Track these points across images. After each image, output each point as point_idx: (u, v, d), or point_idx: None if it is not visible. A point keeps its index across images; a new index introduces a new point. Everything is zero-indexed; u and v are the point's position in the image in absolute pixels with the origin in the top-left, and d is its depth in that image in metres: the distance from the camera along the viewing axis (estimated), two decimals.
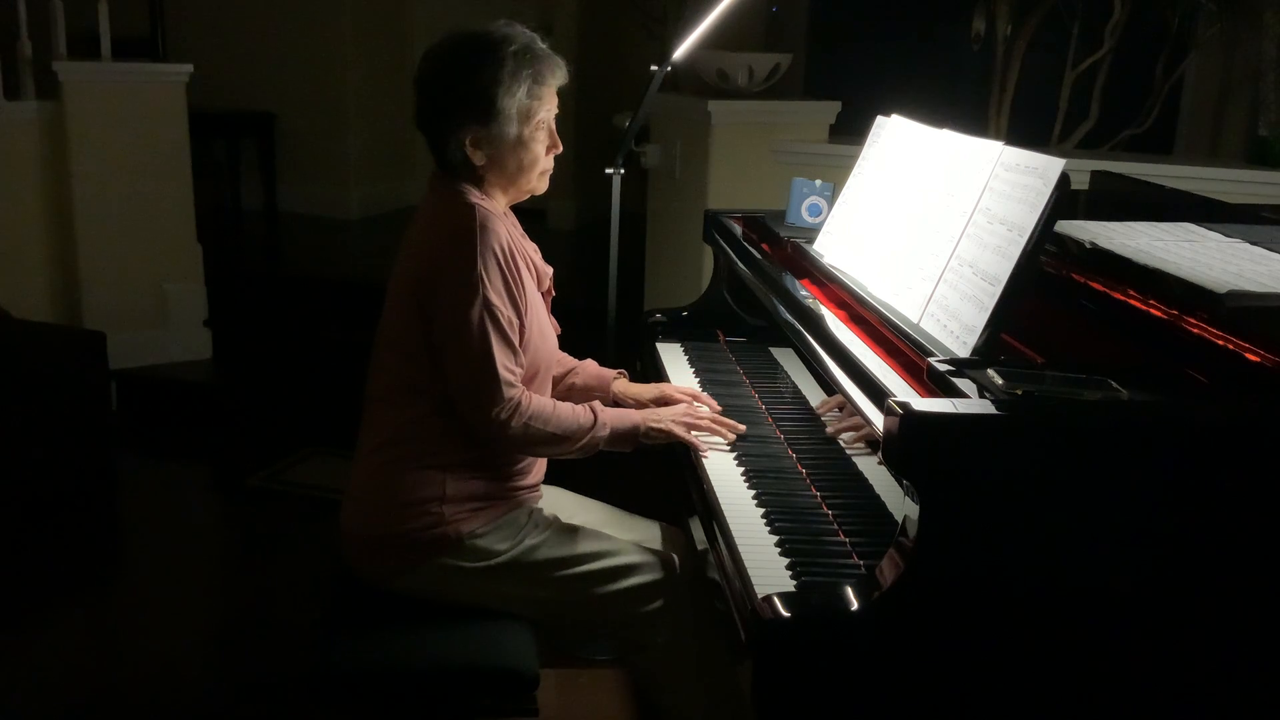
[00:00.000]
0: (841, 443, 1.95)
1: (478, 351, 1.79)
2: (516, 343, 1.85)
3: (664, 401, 2.13)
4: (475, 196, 1.88)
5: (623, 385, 2.21)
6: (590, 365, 2.24)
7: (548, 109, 1.90)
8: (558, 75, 1.90)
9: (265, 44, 6.32)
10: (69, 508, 3.63)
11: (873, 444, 1.87)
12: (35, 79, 4.32)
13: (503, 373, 1.81)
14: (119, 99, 4.43)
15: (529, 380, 1.91)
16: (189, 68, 4.57)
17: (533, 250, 1.99)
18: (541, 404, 1.86)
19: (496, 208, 1.91)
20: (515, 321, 1.84)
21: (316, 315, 4.90)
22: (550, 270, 2.03)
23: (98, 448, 3.83)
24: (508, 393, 1.81)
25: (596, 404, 1.95)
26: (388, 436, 1.92)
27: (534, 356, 1.92)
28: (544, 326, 1.97)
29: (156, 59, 5.20)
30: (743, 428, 2.00)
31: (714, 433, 1.97)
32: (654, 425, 1.95)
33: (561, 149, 1.96)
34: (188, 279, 4.73)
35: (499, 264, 1.82)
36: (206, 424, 4.44)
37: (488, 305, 1.79)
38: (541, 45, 1.89)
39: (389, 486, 1.90)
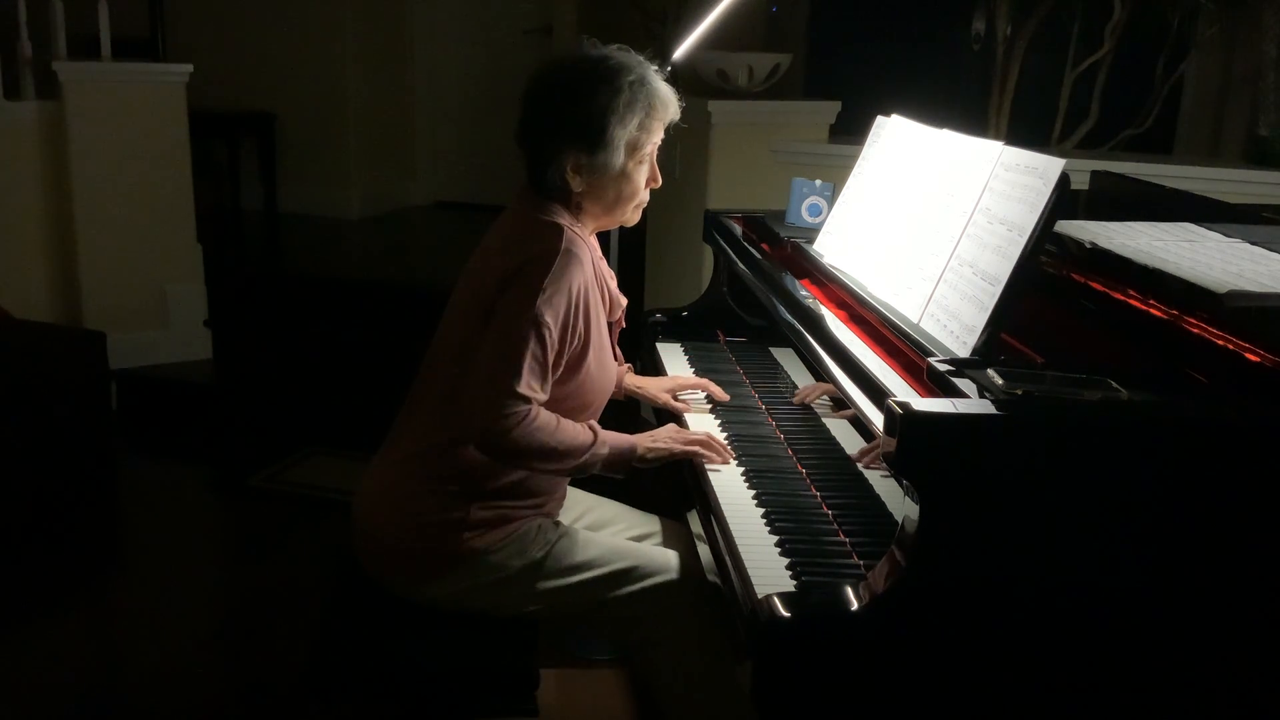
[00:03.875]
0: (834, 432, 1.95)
1: (511, 354, 1.74)
2: (549, 368, 1.79)
3: (674, 390, 2.17)
4: (565, 219, 1.84)
5: (633, 378, 2.21)
6: None
7: (654, 143, 1.88)
8: (670, 110, 1.87)
9: (265, 44, 6.32)
10: (69, 508, 3.63)
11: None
12: (35, 79, 4.32)
13: (524, 388, 1.75)
14: (119, 99, 4.42)
15: (578, 413, 1.87)
16: (189, 68, 4.57)
17: (609, 276, 1.96)
18: (546, 417, 1.81)
19: (584, 232, 1.88)
20: (556, 348, 1.78)
21: (316, 315, 4.90)
22: (625, 301, 1.99)
23: (98, 448, 3.83)
24: (520, 405, 1.75)
25: (594, 424, 1.90)
26: (424, 449, 1.87)
27: (589, 388, 1.88)
28: (604, 359, 1.92)
29: (156, 59, 5.20)
30: (733, 458, 1.92)
31: (711, 449, 1.91)
32: (650, 447, 1.91)
33: (661, 183, 1.93)
34: (188, 279, 4.73)
35: (569, 294, 1.77)
36: (206, 424, 4.44)
37: (538, 320, 1.74)
38: (655, 77, 1.86)
39: (412, 502, 1.87)
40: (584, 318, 1.82)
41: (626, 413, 2.28)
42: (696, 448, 1.91)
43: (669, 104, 1.87)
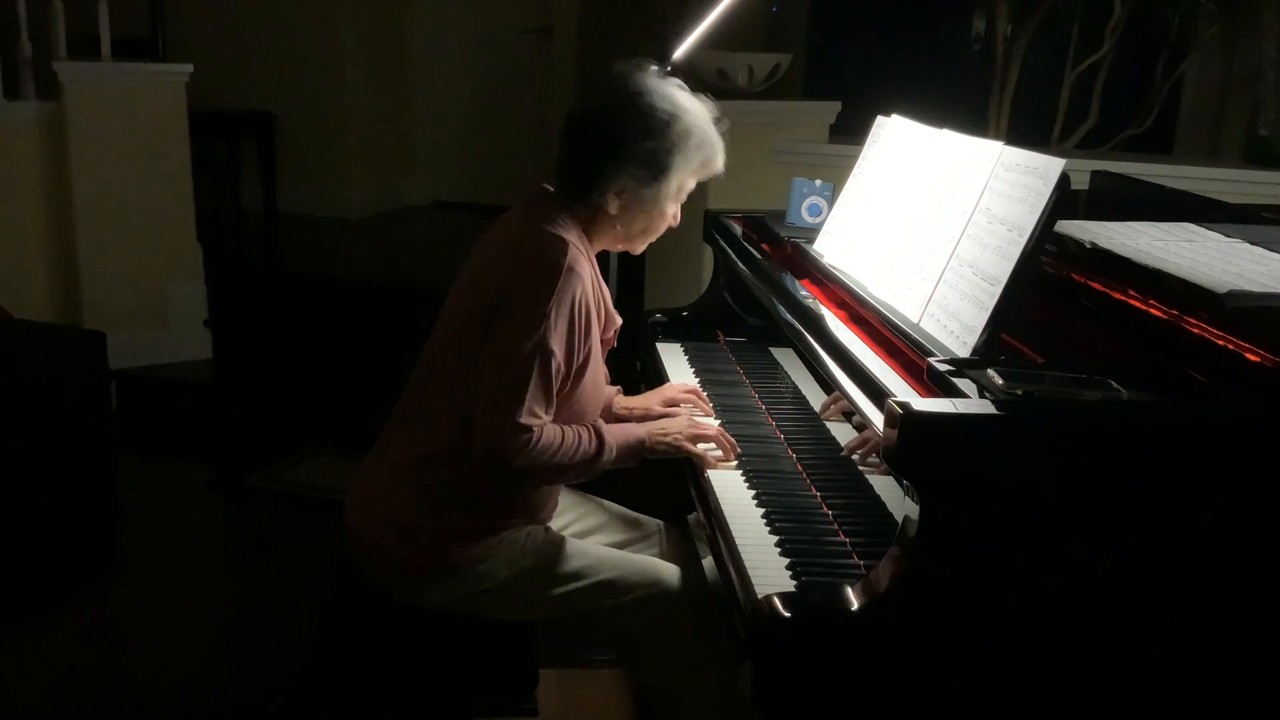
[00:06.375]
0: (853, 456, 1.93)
1: (515, 383, 1.74)
2: (554, 392, 1.78)
3: (668, 403, 2.13)
4: (574, 233, 1.83)
5: (622, 400, 2.17)
6: None
7: (690, 188, 1.94)
8: (718, 164, 1.94)
9: (265, 44, 6.32)
10: (69, 508, 3.63)
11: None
12: (35, 79, 4.32)
13: (527, 416, 1.74)
14: (119, 99, 4.43)
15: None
16: (189, 68, 4.57)
17: (606, 294, 1.95)
18: (550, 433, 1.80)
19: (589, 250, 1.88)
20: (562, 372, 1.78)
21: (316, 315, 4.90)
22: (619, 321, 1.98)
23: (98, 448, 3.82)
24: (521, 435, 1.75)
25: (599, 423, 1.89)
26: (417, 456, 1.86)
27: (583, 407, 1.87)
28: (598, 378, 1.92)
29: (156, 59, 5.20)
30: (738, 450, 1.93)
31: (719, 445, 1.91)
32: (660, 440, 1.91)
33: (677, 224, 1.98)
34: (188, 279, 4.73)
35: (571, 312, 1.77)
36: (206, 424, 4.44)
37: (543, 345, 1.74)
38: (716, 130, 1.92)
39: (404, 508, 1.86)
40: (584, 335, 1.82)
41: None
42: (704, 446, 1.90)
43: (720, 159, 1.94)
